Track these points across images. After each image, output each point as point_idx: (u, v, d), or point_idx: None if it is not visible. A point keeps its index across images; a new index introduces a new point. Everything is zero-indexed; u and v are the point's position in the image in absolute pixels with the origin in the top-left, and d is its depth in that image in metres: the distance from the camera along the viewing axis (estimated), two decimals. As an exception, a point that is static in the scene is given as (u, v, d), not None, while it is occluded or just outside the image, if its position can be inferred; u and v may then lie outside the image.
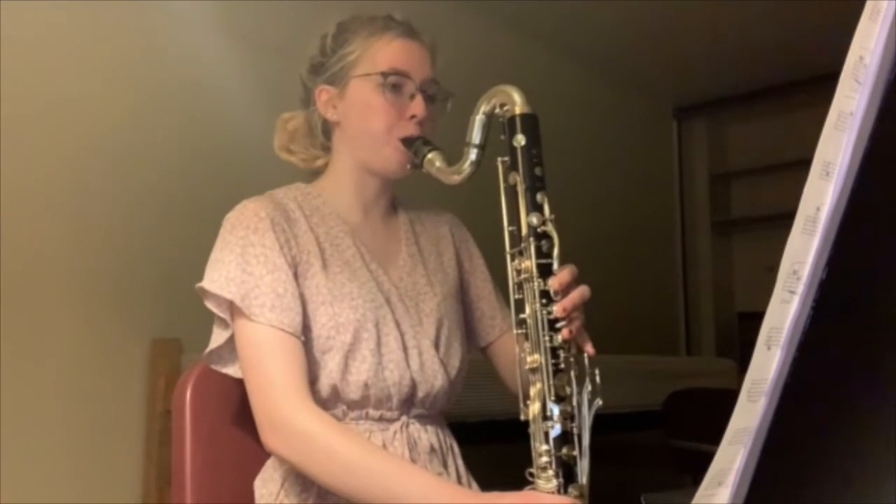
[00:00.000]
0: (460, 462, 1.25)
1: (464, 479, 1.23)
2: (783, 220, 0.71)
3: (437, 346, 1.21)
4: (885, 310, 0.65)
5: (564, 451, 0.97)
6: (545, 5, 3.19)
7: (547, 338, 0.99)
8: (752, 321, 4.00)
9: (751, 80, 4.16)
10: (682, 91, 4.43)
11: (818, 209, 0.63)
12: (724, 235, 4.77)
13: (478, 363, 1.32)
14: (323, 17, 1.27)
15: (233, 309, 1.12)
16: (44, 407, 2.05)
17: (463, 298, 1.34)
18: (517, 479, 0.99)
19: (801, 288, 0.62)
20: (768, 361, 0.63)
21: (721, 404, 0.69)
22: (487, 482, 1.03)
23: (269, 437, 1.08)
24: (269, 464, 1.18)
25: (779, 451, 0.64)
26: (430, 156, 1.14)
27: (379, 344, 1.16)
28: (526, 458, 0.99)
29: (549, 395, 0.98)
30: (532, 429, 0.99)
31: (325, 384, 1.14)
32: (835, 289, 0.62)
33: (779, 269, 0.62)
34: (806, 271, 0.62)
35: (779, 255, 0.62)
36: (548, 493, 0.96)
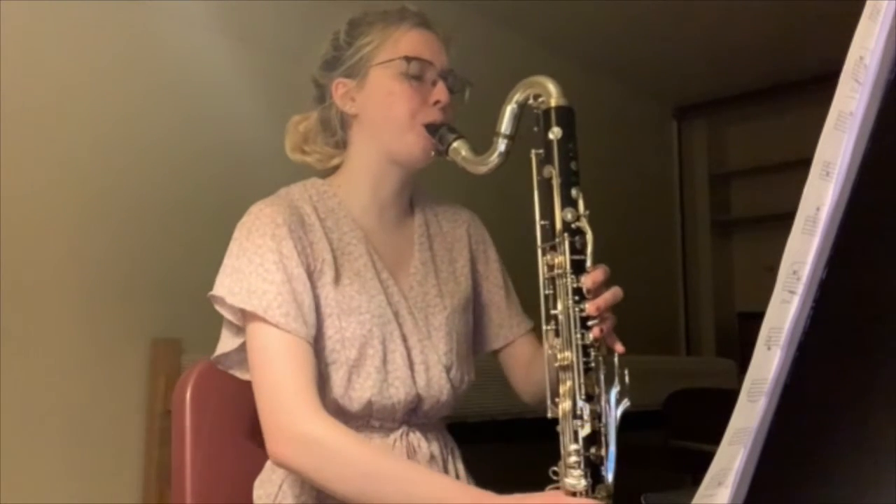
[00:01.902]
0: (461, 466, 1.24)
1: (463, 482, 1.22)
2: (783, 220, 0.71)
3: (443, 359, 1.20)
4: (885, 309, 0.65)
5: (593, 450, 0.95)
6: (545, 5, 3.19)
7: (578, 335, 0.97)
8: (752, 321, 3.99)
9: (751, 80, 4.16)
10: (682, 91, 4.43)
11: (818, 209, 0.63)
12: (724, 235, 4.77)
13: (478, 362, 1.32)
14: (321, 17, 1.26)
15: (246, 314, 1.10)
16: (44, 407, 2.05)
17: (474, 301, 1.32)
18: (518, 478, 0.99)
19: (801, 288, 0.62)
20: (768, 361, 0.63)
21: (721, 404, 0.69)
22: (488, 482, 1.03)
23: (278, 446, 1.05)
24: (268, 465, 1.18)
25: (779, 451, 0.64)
26: (455, 144, 1.12)
27: (385, 361, 1.14)
28: (526, 458, 0.99)
29: (580, 394, 0.96)
30: (561, 427, 0.97)
31: (328, 398, 1.12)
32: (835, 289, 0.62)
33: (779, 269, 0.62)
34: (806, 271, 0.62)
35: (779, 255, 0.62)
36: (578, 492, 0.94)
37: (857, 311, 0.66)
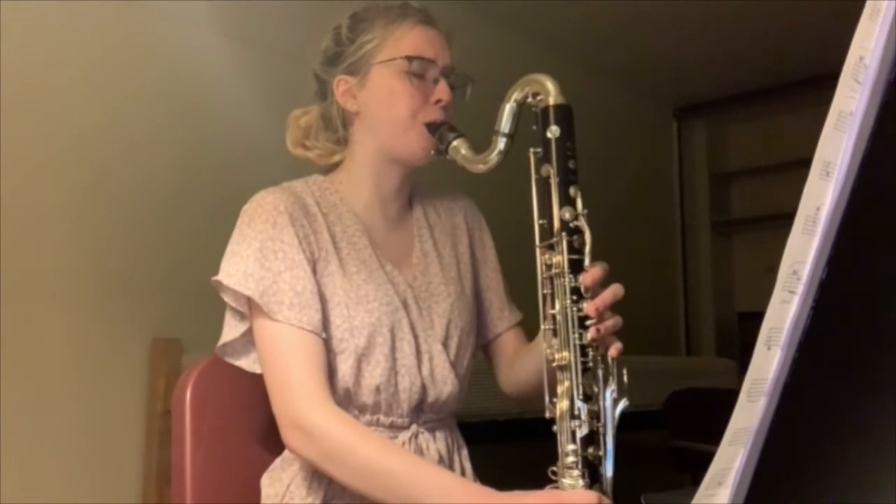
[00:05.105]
0: (468, 464, 1.24)
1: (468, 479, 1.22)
2: (783, 220, 0.71)
3: (446, 349, 1.20)
4: (885, 310, 0.65)
5: (591, 450, 0.95)
6: (545, 6, 3.19)
7: (576, 335, 0.97)
8: (752, 321, 4.00)
9: (751, 80, 4.16)
10: (682, 91, 4.43)
11: (818, 209, 0.63)
12: (724, 235, 4.77)
13: (478, 363, 1.32)
14: (321, 16, 1.26)
15: (251, 304, 1.11)
16: (44, 406, 2.05)
17: (474, 287, 1.32)
18: (518, 478, 0.99)
19: (801, 288, 0.62)
20: (768, 361, 0.63)
21: (721, 404, 0.69)
22: (489, 483, 1.03)
23: (289, 437, 1.07)
24: (277, 463, 1.18)
25: (779, 451, 0.64)
26: (455, 143, 1.12)
27: (393, 349, 1.15)
28: (526, 458, 0.98)
29: (577, 394, 0.96)
30: (558, 427, 0.96)
31: (338, 387, 1.13)
32: (835, 289, 0.62)
33: (779, 269, 0.62)
34: (806, 271, 0.62)
35: (779, 255, 0.62)
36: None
37: (857, 311, 0.66)
